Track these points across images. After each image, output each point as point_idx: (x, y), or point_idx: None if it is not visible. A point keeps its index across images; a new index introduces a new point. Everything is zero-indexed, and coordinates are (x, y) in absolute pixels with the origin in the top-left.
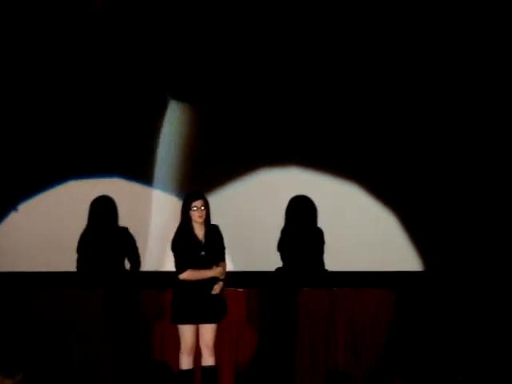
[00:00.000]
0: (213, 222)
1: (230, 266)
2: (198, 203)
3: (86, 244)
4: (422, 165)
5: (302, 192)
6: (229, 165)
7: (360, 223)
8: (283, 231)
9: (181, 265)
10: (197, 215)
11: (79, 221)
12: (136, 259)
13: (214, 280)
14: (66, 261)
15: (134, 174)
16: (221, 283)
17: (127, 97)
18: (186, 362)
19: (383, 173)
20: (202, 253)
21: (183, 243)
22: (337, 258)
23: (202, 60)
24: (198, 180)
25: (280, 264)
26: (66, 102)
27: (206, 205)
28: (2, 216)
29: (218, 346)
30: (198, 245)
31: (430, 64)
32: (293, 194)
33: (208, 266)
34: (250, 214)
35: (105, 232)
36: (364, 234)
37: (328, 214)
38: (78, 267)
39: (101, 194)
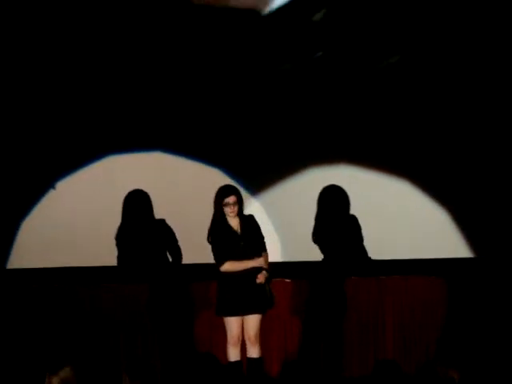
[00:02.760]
0: (264, 213)
1: (279, 256)
2: (230, 199)
3: (125, 239)
4: (468, 155)
5: (351, 187)
6: (281, 162)
7: (409, 213)
8: (316, 220)
9: (220, 256)
10: (229, 211)
11: (119, 200)
12: (176, 252)
13: (257, 270)
14: (107, 253)
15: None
16: (264, 272)
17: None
18: (233, 354)
19: (430, 166)
20: (242, 243)
21: (220, 235)
22: (385, 247)
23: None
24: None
25: (326, 254)
26: (95, 73)
27: (239, 200)
28: (39, 196)
29: (267, 336)
30: (235, 236)
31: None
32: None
33: (248, 257)
34: (299, 209)
35: (142, 226)
36: (412, 222)
37: (376, 204)
38: (118, 262)
39: (141, 170)
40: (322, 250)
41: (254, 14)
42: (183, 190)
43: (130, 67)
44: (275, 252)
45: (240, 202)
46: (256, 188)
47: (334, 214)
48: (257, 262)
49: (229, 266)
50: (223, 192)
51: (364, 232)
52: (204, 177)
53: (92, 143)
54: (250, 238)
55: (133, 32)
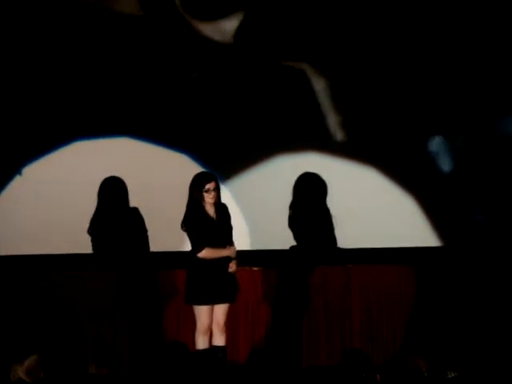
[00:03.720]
0: (232, 202)
1: (247, 244)
2: (210, 185)
3: (97, 227)
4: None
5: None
6: (248, 150)
7: (377, 202)
8: (292, 208)
9: (197, 243)
10: (209, 197)
11: (87, 185)
12: (144, 240)
13: (227, 260)
14: (76, 241)
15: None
16: (235, 261)
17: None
18: (202, 342)
19: (398, 153)
20: (217, 231)
21: (197, 222)
22: (352, 236)
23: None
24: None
25: (294, 242)
26: (63, 59)
27: (218, 186)
28: (6, 182)
29: (235, 324)
30: (211, 223)
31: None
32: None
33: (223, 245)
34: (268, 197)
35: (115, 214)
36: (380, 211)
37: (345, 193)
38: (91, 248)
39: (109, 155)
40: (296, 238)
41: None
42: (151, 175)
43: (96, 54)
44: (244, 240)
45: (219, 189)
46: (224, 175)
47: (310, 201)
48: (230, 251)
49: (206, 253)
50: (203, 178)
51: (334, 221)
52: (172, 163)
53: (59, 128)
54: (225, 227)
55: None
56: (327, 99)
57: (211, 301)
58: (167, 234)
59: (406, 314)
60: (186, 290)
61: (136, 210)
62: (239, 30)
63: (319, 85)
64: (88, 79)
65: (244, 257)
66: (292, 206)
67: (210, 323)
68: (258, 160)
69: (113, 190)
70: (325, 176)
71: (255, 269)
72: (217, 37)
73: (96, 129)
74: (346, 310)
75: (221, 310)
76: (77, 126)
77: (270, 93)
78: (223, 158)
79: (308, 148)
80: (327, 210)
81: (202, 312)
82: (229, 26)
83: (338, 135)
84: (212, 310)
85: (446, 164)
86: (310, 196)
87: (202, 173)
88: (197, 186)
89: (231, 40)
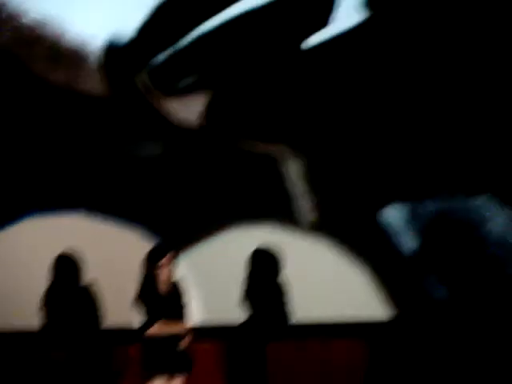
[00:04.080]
0: (187, 276)
1: (199, 319)
2: (165, 260)
3: (49, 304)
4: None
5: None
6: (202, 221)
7: (329, 275)
8: (245, 283)
9: (149, 319)
10: (163, 272)
11: (40, 263)
12: (98, 317)
13: (181, 335)
14: (27, 318)
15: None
16: (188, 337)
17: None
18: None
19: (348, 224)
20: (168, 307)
21: (149, 298)
22: (305, 310)
23: None
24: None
25: (246, 317)
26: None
27: (172, 262)
28: None
29: None
30: (163, 299)
31: None
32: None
33: (174, 321)
34: (222, 269)
35: (68, 291)
36: (333, 285)
37: (297, 266)
38: (41, 327)
39: (63, 234)
40: (249, 313)
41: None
42: (105, 251)
43: (45, 128)
44: (198, 315)
45: (173, 265)
46: (178, 249)
47: (263, 276)
48: (181, 327)
49: (157, 330)
50: (156, 254)
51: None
52: (126, 237)
53: (11, 204)
54: (177, 303)
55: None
56: (299, 180)
57: (164, 374)
58: (121, 310)
59: None
60: (141, 365)
61: (89, 286)
62: (207, 109)
63: (292, 166)
64: (39, 156)
65: (198, 332)
66: (245, 281)
67: None
68: (212, 233)
69: (65, 267)
70: (280, 249)
71: (207, 344)
72: (185, 117)
73: (49, 204)
74: None
75: None
76: (28, 201)
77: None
78: (178, 232)
79: (265, 221)
80: (280, 285)
81: None
82: (196, 104)
83: (308, 215)
84: None
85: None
86: (262, 271)
87: (155, 248)
88: (153, 260)
89: (199, 120)
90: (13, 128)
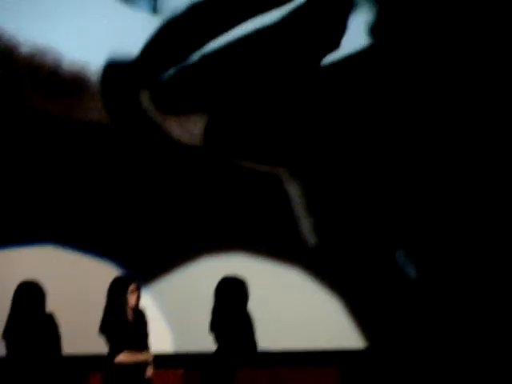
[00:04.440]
0: (156, 302)
1: (170, 347)
2: (134, 286)
3: (11, 332)
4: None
5: (245, 276)
6: (172, 250)
7: (301, 303)
8: (212, 312)
9: (115, 348)
10: (133, 299)
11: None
12: (58, 346)
13: (144, 364)
14: None
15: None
16: (151, 366)
17: None
18: None
19: (321, 253)
20: (132, 336)
21: (115, 326)
22: (277, 337)
23: None
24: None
25: (217, 345)
26: None
27: (139, 288)
28: None
29: None
30: (129, 327)
31: None
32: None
33: (139, 349)
34: (193, 298)
35: (29, 318)
36: (305, 312)
37: (268, 294)
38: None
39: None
40: (217, 341)
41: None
42: (73, 283)
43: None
44: (167, 343)
45: (140, 292)
46: (148, 278)
47: (229, 305)
48: (147, 356)
49: (124, 358)
50: (126, 281)
51: (257, 322)
52: (96, 269)
53: None
54: (142, 331)
55: None
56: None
57: None
58: (85, 338)
59: None
60: None
61: (51, 315)
62: (206, 131)
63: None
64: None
65: (167, 360)
66: (212, 311)
67: None
68: (183, 261)
69: (27, 294)
70: (248, 277)
71: (179, 371)
72: (186, 138)
73: (17, 237)
74: None
75: None
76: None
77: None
78: (146, 261)
79: (232, 248)
80: (247, 313)
81: None
82: (196, 126)
83: (311, 240)
84: None
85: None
86: (229, 299)
87: (123, 275)
88: (119, 289)
89: (200, 141)
90: None
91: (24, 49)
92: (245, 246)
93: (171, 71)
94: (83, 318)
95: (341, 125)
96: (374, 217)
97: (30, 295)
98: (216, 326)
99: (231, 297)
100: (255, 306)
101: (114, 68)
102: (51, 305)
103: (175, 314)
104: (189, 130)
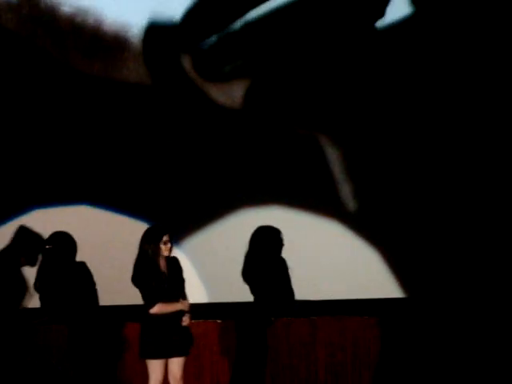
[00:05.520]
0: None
1: (206, 297)
2: (167, 237)
3: (43, 281)
4: (397, 194)
5: (283, 229)
6: (211, 204)
7: (341, 254)
8: (245, 260)
9: (150, 299)
10: (166, 249)
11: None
12: (94, 294)
13: (180, 313)
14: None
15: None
16: (188, 315)
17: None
18: None
19: (361, 206)
20: (167, 285)
21: (149, 277)
22: (317, 288)
23: None
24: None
25: (255, 294)
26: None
27: (171, 238)
28: None
29: (197, 376)
30: (163, 277)
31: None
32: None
33: (174, 299)
34: (230, 250)
35: (61, 268)
36: (344, 263)
37: (308, 246)
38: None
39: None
40: (251, 290)
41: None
42: (108, 239)
43: (51, 120)
44: (203, 293)
45: (172, 242)
46: (186, 229)
47: (264, 254)
48: (184, 305)
49: (159, 309)
50: (159, 230)
51: (297, 273)
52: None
53: (17, 197)
54: (177, 280)
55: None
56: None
57: (165, 355)
58: (120, 288)
59: (371, 366)
60: (139, 345)
61: (83, 263)
62: (247, 95)
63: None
64: (44, 147)
65: (203, 309)
66: (246, 259)
67: (163, 378)
68: (221, 214)
69: (58, 244)
70: (288, 229)
71: (218, 321)
72: (226, 101)
73: (53, 197)
74: (310, 361)
75: (176, 363)
76: (35, 193)
77: (229, 145)
78: (186, 212)
79: (271, 201)
80: (282, 262)
81: (155, 366)
82: (237, 90)
83: (351, 204)
84: (165, 365)
85: None
86: (263, 248)
87: (156, 225)
88: (153, 239)
89: (240, 105)
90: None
91: (66, 8)
92: (283, 201)
93: (213, 38)
94: (119, 272)
95: (383, 93)
96: (413, 183)
97: (60, 245)
98: (248, 273)
99: (265, 245)
100: (296, 257)
101: (155, 30)
102: (88, 259)
103: (209, 263)
104: (229, 93)
